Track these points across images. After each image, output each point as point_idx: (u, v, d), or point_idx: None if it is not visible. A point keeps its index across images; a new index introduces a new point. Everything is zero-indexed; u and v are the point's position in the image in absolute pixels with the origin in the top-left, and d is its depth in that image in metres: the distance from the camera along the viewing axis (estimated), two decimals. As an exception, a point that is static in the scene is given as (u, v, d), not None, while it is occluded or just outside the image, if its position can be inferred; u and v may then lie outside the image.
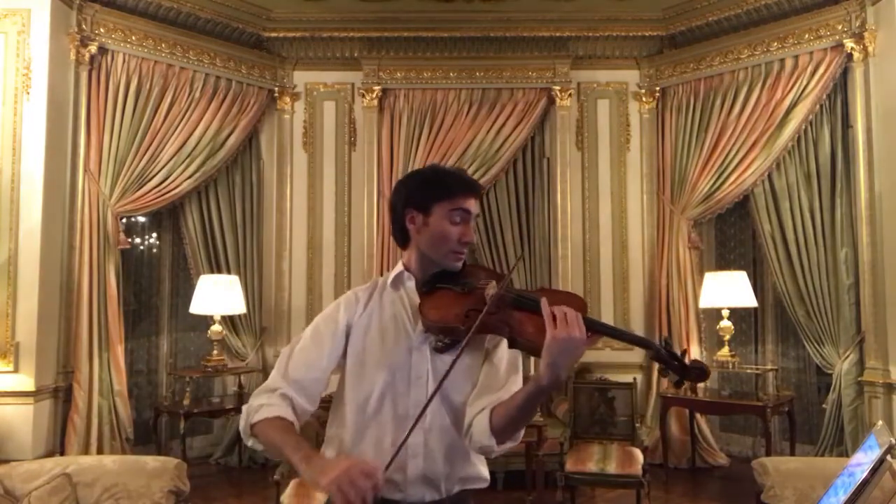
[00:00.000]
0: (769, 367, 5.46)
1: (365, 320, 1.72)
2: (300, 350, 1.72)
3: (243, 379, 5.71)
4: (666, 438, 5.51)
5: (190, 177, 5.48)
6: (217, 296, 5.26)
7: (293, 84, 6.24)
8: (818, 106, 5.22)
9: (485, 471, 1.75)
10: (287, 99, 6.20)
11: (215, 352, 5.37)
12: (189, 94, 5.52)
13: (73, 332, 4.90)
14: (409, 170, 5.71)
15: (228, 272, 5.73)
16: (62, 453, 4.65)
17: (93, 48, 5.03)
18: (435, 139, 5.97)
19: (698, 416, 5.63)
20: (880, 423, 1.98)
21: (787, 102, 5.29)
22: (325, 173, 6.20)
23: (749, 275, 5.32)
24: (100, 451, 4.78)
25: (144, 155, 5.23)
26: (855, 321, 5.03)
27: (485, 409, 1.62)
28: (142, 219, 5.77)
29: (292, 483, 3.62)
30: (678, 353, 1.59)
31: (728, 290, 5.17)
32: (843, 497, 1.50)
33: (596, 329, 1.54)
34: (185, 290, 5.76)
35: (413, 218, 1.73)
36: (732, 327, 5.23)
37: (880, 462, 1.48)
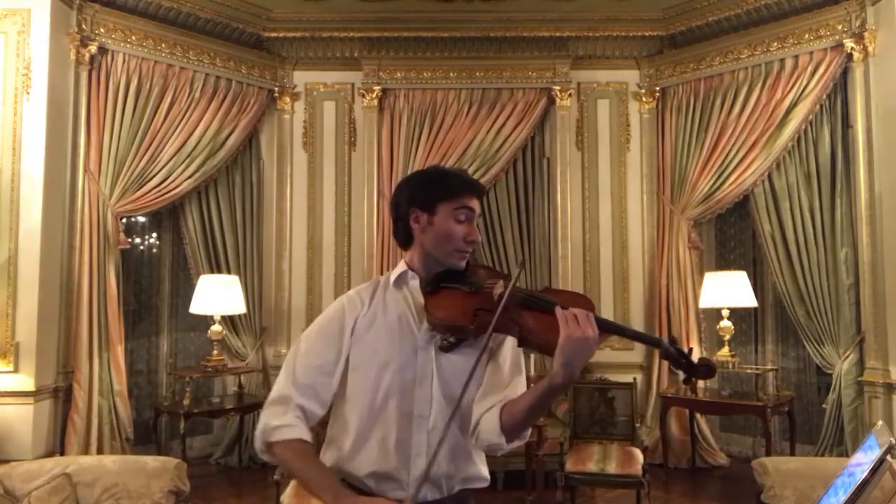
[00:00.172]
0: (769, 367, 5.46)
1: (369, 320, 1.72)
2: (307, 353, 1.70)
3: (243, 379, 5.71)
4: (666, 438, 5.51)
5: (190, 177, 5.48)
6: (217, 296, 5.26)
7: (293, 84, 6.24)
8: (818, 106, 5.22)
9: (485, 470, 1.76)
10: (287, 99, 6.20)
11: (215, 352, 5.37)
12: (189, 94, 5.52)
13: (73, 332, 4.90)
14: (410, 170, 5.75)
15: (228, 272, 5.73)
16: (62, 453, 4.65)
17: (93, 48, 5.03)
18: (435, 139, 5.97)
19: (698, 416, 5.63)
20: (880, 423, 1.98)
21: (787, 102, 5.29)
22: (325, 173, 6.20)
23: (749, 275, 5.32)
24: (100, 451, 4.78)
25: (144, 155, 5.23)
26: (855, 321, 5.03)
27: (493, 407, 1.64)
28: (142, 219, 5.77)
29: (292, 483, 3.62)
30: (685, 350, 1.61)
31: (728, 290, 5.16)
32: (843, 497, 1.50)
33: (607, 328, 1.57)
34: (185, 290, 5.76)
35: (418, 217, 1.73)
36: (732, 327, 5.22)
37: (880, 462, 1.48)
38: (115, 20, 5.17)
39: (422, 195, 1.74)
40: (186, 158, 5.45)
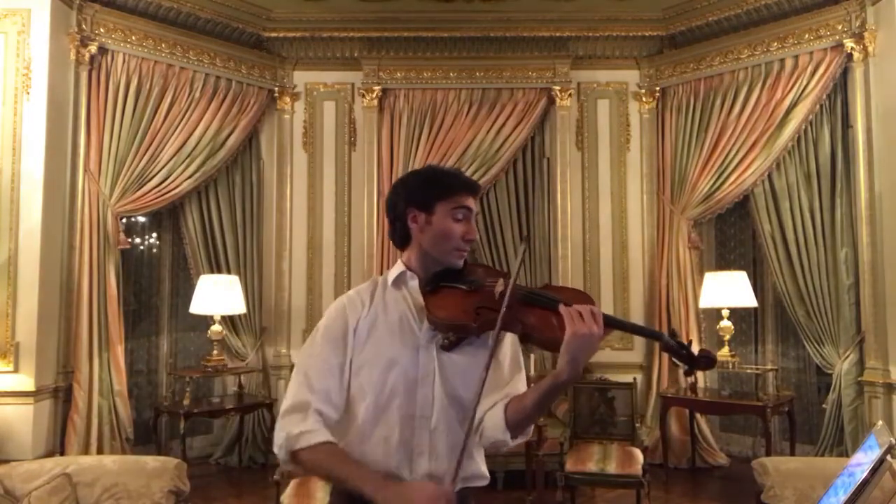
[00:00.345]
0: (769, 367, 5.46)
1: (370, 321, 1.72)
2: (316, 357, 1.69)
3: (243, 379, 5.72)
4: (666, 438, 5.51)
5: (190, 177, 5.48)
6: (217, 296, 5.26)
7: (293, 84, 6.24)
8: (818, 106, 5.22)
9: (485, 469, 1.76)
10: (287, 99, 6.20)
11: (215, 352, 5.37)
12: (189, 94, 5.52)
13: (73, 332, 4.90)
14: (410, 170, 5.73)
15: (228, 272, 5.73)
16: (62, 453, 4.65)
17: (93, 48, 5.03)
18: (435, 139, 5.97)
19: (698, 416, 5.63)
20: (880, 423, 1.98)
21: (787, 102, 5.29)
22: (325, 173, 6.20)
23: (749, 275, 5.32)
24: (100, 451, 4.78)
25: (144, 155, 5.23)
26: (855, 321, 5.03)
27: (496, 404, 1.65)
28: (142, 219, 5.77)
29: (292, 483, 3.63)
30: (686, 343, 1.63)
31: (728, 290, 5.16)
32: (843, 497, 1.50)
33: (610, 323, 1.59)
34: (185, 290, 5.76)
35: (416, 217, 1.74)
36: (732, 327, 5.22)
37: (880, 462, 1.48)
38: (115, 20, 5.17)
39: (419, 195, 1.74)
40: (186, 158, 5.45)
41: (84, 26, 5.01)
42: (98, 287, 4.97)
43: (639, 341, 6.00)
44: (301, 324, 6.03)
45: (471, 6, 5.87)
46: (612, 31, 6.07)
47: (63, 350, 4.85)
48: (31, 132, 4.63)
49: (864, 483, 1.48)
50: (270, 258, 6.12)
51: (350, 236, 6.13)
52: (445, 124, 5.97)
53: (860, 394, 4.93)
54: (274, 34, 6.06)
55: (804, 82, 5.24)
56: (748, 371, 5.30)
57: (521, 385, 1.73)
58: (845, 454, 4.77)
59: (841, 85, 5.20)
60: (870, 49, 4.93)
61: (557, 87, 6.01)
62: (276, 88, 6.15)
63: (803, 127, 5.27)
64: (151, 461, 3.33)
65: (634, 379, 4.91)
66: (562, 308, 1.55)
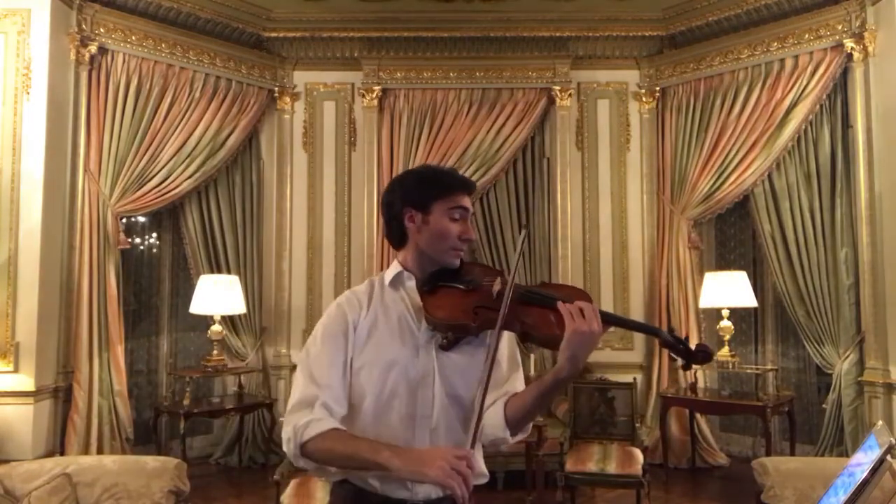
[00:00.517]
0: (769, 367, 5.45)
1: (370, 322, 1.71)
2: (319, 356, 1.68)
3: (243, 379, 5.72)
4: (666, 438, 5.51)
5: (190, 177, 5.48)
6: (217, 296, 5.26)
7: (293, 84, 6.24)
8: (818, 106, 5.22)
9: (485, 467, 1.76)
10: (287, 99, 6.20)
11: (215, 352, 5.37)
12: (189, 94, 5.52)
13: (73, 332, 4.90)
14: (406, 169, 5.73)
15: (228, 272, 5.73)
16: (62, 453, 4.65)
17: (93, 48, 5.03)
18: (435, 139, 5.97)
19: (698, 416, 5.63)
20: (880, 423, 1.98)
21: (787, 102, 5.29)
22: (325, 173, 6.20)
23: (749, 275, 5.32)
24: (100, 451, 4.78)
25: (144, 155, 5.23)
26: (855, 321, 5.03)
27: (495, 402, 1.66)
28: (142, 219, 5.77)
29: (292, 483, 3.63)
30: (682, 338, 1.65)
31: (728, 290, 5.16)
32: (843, 497, 1.50)
33: (609, 320, 1.60)
34: (185, 290, 5.76)
35: (412, 217, 1.73)
36: (732, 327, 5.22)
37: (880, 462, 1.47)
38: (115, 20, 5.17)
39: (416, 194, 1.74)
40: (186, 158, 5.45)
41: (84, 26, 5.01)
42: (98, 287, 4.97)
43: (639, 341, 6.00)
44: (301, 324, 6.03)
45: (471, 6, 5.87)
46: (612, 31, 6.07)
47: (63, 350, 4.85)
48: (31, 132, 4.63)
49: (864, 483, 1.48)
50: (270, 258, 6.12)
51: (350, 236, 6.13)
52: (445, 124, 5.98)
53: (860, 394, 4.93)
54: (274, 34, 6.06)
55: (804, 82, 5.25)
56: (748, 371, 5.30)
57: (518, 383, 1.74)
58: (845, 454, 4.77)
59: (841, 85, 5.20)
60: (870, 49, 4.93)
61: (557, 87, 6.01)
62: (276, 88, 6.15)
63: (803, 127, 5.27)
64: (151, 461, 3.33)
65: (634, 379, 4.92)
66: (560, 306, 1.56)
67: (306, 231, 6.15)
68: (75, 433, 4.77)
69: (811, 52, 5.25)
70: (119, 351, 5.06)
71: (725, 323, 5.18)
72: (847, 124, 5.16)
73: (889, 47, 4.82)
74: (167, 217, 5.84)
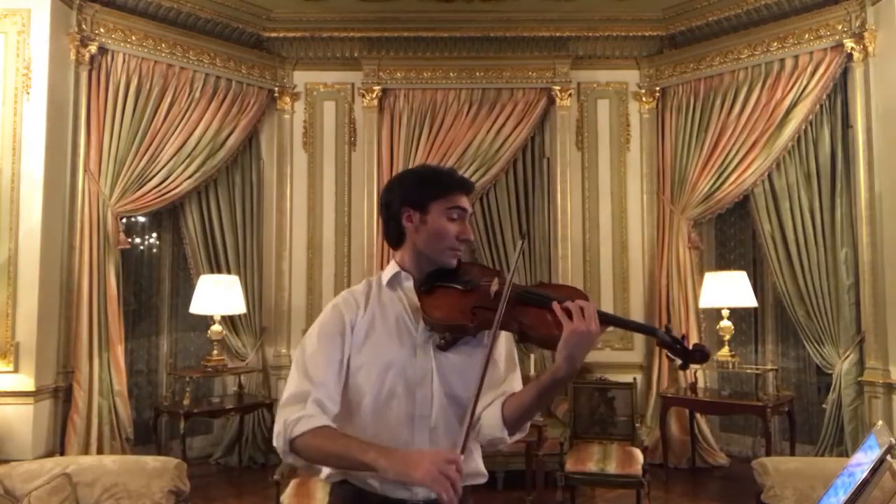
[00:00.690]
0: (769, 367, 5.45)
1: (367, 322, 1.71)
2: (314, 353, 1.67)
3: (243, 379, 5.72)
4: (666, 438, 5.51)
5: (190, 177, 5.48)
6: (217, 296, 5.26)
7: (293, 84, 6.24)
8: (818, 106, 5.22)
9: (483, 467, 1.77)
10: (287, 99, 6.20)
11: (215, 352, 5.37)
12: (189, 94, 5.52)
13: (73, 332, 4.90)
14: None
15: (228, 272, 5.73)
16: (62, 453, 4.65)
17: (93, 48, 5.03)
18: (435, 139, 5.97)
19: (698, 416, 5.63)
20: (880, 423, 1.98)
21: (787, 102, 5.29)
22: (325, 173, 6.20)
23: (749, 275, 5.32)
24: (100, 451, 4.78)
25: (144, 155, 5.23)
26: (855, 321, 5.03)
27: (493, 402, 1.66)
28: (142, 219, 5.77)
29: (292, 483, 3.63)
30: (679, 337, 1.64)
31: (728, 290, 5.16)
32: (843, 497, 1.50)
33: (606, 320, 1.60)
34: (185, 290, 5.76)
35: (410, 216, 1.73)
36: (732, 327, 5.22)
37: (880, 462, 1.47)
38: (115, 20, 5.17)
39: (415, 194, 1.74)
40: (186, 158, 5.45)
41: (84, 26, 5.01)
42: (98, 287, 4.97)
43: (639, 341, 6.00)
44: (301, 324, 6.03)
45: (471, 6, 5.87)
46: (612, 31, 6.07)
47: (63, 350, 4.85)
48: (31, 132, 4.63)
49: (864, 483, 1.48)
50: (270, 258, 6.12)
51: (350, 236, 6.13)
52: (445, 124, 5.97)
53: (860, 394, 4.93)
54: (274, 34, 6.06)
55: (804, 82, 5.24)
56: (748, 371, 5.29)
57: (516, 383, 1.73)
58: (845, 454, 4.77)
59: (841, 85, 5.20)
60: (870, 49, 4.93)
61: (557, 87, 6.01)
62: (276, 88, 6.15)
63: (803, 127, 5.27)
64: (151, 461, 3.33)
65: (634, 379, 4.92)
66: (557, 305, 1.56)
67: (306, 231, 6.15)
68: (75, 433, 4.77)
69: (811, 52, 5.25)
70: (119, 351, 5.06)
71: (725, 323, 5.18)
72: (847, 124, 5.16)
73: (889, 47, 4.82)
74: (167, 217, 5.84)
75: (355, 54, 6.14)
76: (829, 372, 5.13)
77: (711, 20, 5.72)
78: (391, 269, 1.79)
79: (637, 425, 4.75)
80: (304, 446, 1.56)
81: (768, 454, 4.73)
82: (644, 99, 6.15)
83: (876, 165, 4.87)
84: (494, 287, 1.66)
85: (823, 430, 5.12)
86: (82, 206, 4.98)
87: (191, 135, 5.47)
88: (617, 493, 4.76)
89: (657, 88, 6.11)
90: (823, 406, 5.17)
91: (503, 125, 5.96)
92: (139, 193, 5.21)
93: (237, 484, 5.36)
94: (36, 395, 4.53)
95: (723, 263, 6.03)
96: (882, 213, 4.83)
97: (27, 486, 2.96)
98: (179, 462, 3.34)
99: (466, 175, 5.32)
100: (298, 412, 1.57)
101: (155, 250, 5.95)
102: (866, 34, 4.93)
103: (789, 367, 5.69)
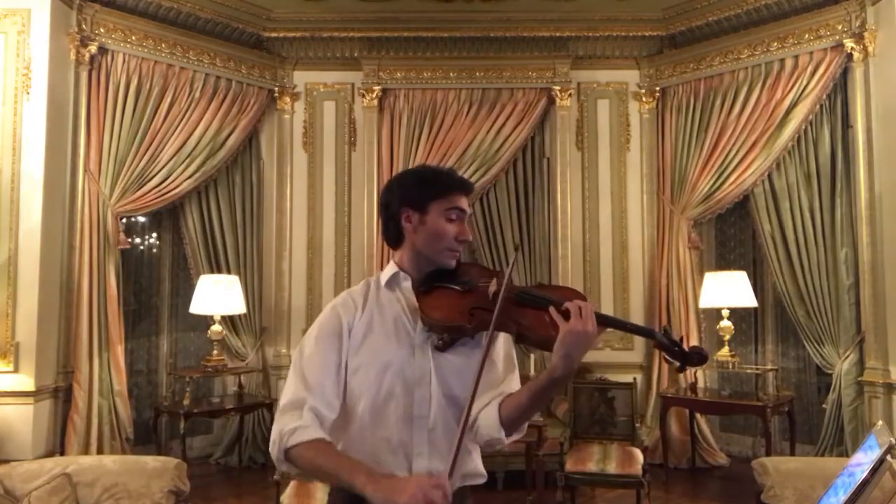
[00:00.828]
0: (769, 367, 5.46)
1: (365, 323, 1.71)
2: (311, 356, 1.67)
3: (243, 379, 5.72)
4: (666, 438, 5.51)
5: (190, 177, 5.48)
6: (217, 296, 5.26)
7: (293, 84, 6.24)
8: (818, 106, 5.22)
9: (482, 467, 1.77)
10: (287, 99, 6.20)
11: (215, 352, 5.37)
12: (189, 94, 5.52)
13: (73, 332, 4.90)
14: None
15: (228, 272, 5.73)
16: (62, 453, 4.65)
17: (93, 48, 5.03)
18: (435, 139, 5.97)
19: (698, 416, 5.63)
20: (880, 423, 1.98)
21: (787, 102, 5.29)
22: (325, 173, 6.20)
23: (749, 275, 5.32)
24: (100, 451, 4.78)
25: (144, 155, 5.23)
26: (855, 321, 5.03)
27: (491, 402, 1.65)
28: (142, 219, 5.77)
29: (292, 483, 3.63)
30: (677, 339, 1.64)
31: (728, 290, 5.16)
32: (843, 497, 1.50)
33: (603, 321, 1.59)
34: (185, 290, 5.76)
35: (409, 217, 1.73)
36: (732, 327, 5.22)
37: (880, 462, 1.48)
38: (115, 20, 5.17)
39: (415, 194, 1.74)
40: (186, 158, 5.45)
41: (84, 26, 5.01)
42: (98, 287, 4.97)
43: (639, 341, 6.00)
44: (301, 324, 6.03)
45: (471, 6, 5.87)
46: (612, 31, 6.07)
47: (63, 350, 4.85)
48: (31, 132, 4.63)
49: (864, 483, 1.48)
50: (270, 258, 6.12)
51: (350, 236, 6.13)
52: (445, 124, 5.97)
53: (860, 394, 4.93)
54: (274, 34, 6.06)
55: (804, 82, 5.25)
56: (748, 371, 5.30)
57: (514, 384, 1.73)
58: (845, 454, 4.77)
59: (841, 85, 5.20)
60: (870, 49, 4.93)
61: (557, 87, 6.01)
62: (276, 88, 6.15)
63: (803, 127, 5.27)
64: (151, 461, 3.33)
65: (634, 379, 4.91)
66: (554, 307, 1.56)
67: (306, 231, 6.15)
68: (75, 433, 4.77)
69: (811, 52, 5.25)
70: (119, 351, 5.06)
71: (725, 323, 5.18)
72: (847, 124, 5.16)
73: (889, 47, 4.82)
74: (167, 217, 5.84)
75: (355, 54, 6.14)
76: (829, 372, 5.13)
77: (711, 20, 5.73)
78: (390, 269, 1.79)
79: (637, 425, 4.75)
80: (298, 457, 1.56)
81: (768, 454, 4.74)
82: (644, 99, 6.15)
83: (876, 165, 4.87)
84: (493, 288, 1.66)
85: (823, 430, 5.12)
86: (82, 206, 4.98)
87: (191, 135, 5.47)
88: (617, 493, 4.76)
89: (657, 88, 6.11)
90: (823, 406, 5.17)
91: (503, 125, 5.96)
92: (139, 193, 5.21)
93: (237, 484, 5.36)
94: (36, 395, 4.53)
95: (723, 263, 6.03)
96: (882, 213, 4.83)
97: (27, 486, 2.96)
98: (179, 462, 3.34)
99: (466, 175, 5.33)
100: (294, 422, 1.57)
101: (155, 250, 5.95)
102: (866, 34, 4.93)
103: (789, 367, 5.69)
